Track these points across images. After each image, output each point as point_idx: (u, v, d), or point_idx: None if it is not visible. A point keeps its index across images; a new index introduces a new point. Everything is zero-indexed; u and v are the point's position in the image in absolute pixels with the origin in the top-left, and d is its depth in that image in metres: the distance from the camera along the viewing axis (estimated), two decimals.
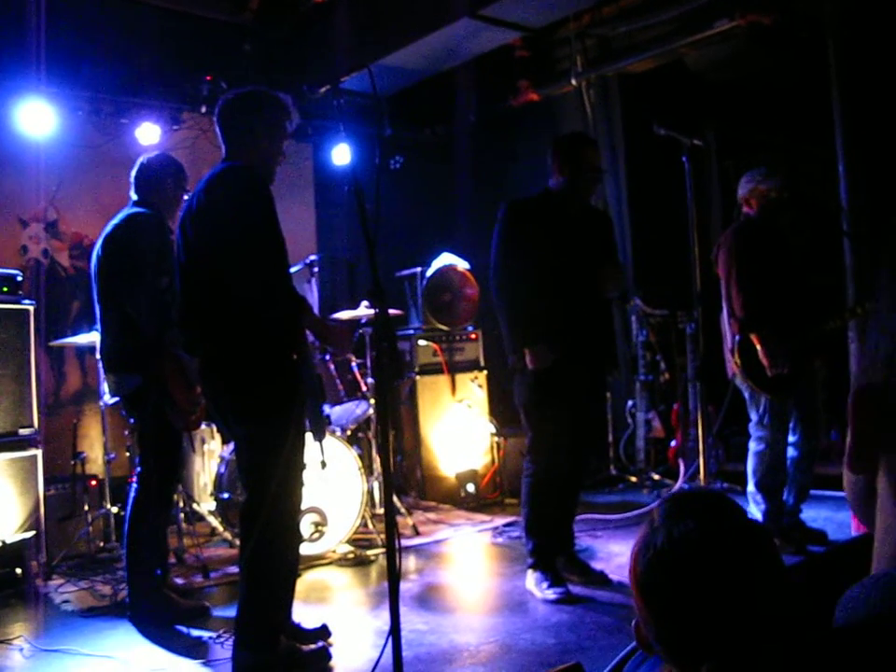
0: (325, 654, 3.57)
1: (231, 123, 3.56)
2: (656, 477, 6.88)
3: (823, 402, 5.07)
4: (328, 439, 5.17)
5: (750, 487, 4.88)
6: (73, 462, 5.61)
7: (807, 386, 4.88)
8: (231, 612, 4.10)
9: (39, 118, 6.08)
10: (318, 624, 3.79)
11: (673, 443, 6.82)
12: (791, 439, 4.92)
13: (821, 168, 7.60)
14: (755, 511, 4.83)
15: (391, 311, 3.17)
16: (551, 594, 4.20)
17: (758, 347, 4.64)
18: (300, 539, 3.66)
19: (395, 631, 2.46)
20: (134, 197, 4.36)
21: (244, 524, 3.47)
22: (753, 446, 4.85)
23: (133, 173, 4.39)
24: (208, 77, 6.83)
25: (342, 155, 7.57)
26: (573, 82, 7.37)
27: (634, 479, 7.01)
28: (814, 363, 4.91)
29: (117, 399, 4.34)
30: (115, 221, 4.25)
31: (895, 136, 6.01)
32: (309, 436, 3.55)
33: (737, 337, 4.73)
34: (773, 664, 1.22)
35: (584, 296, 4.32)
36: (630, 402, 7.10)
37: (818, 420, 4.96)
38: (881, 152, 5.99)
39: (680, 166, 4.37)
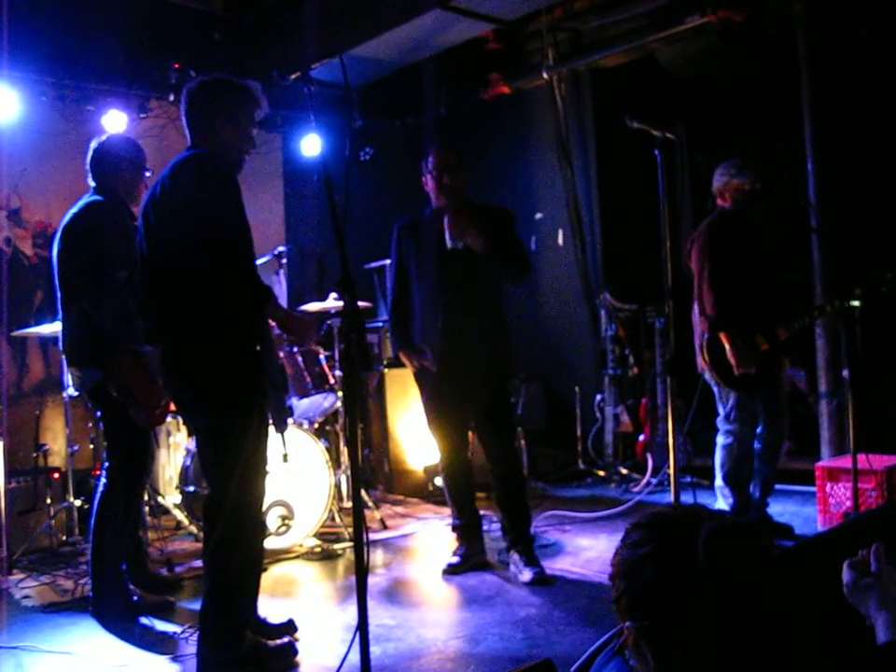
0: (291, 649, 3.53)
1: (194, 111, 3.50)
2: (624, 471, 6.89)
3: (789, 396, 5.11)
4: (295, 431, 5.13)
5: (718, 481, 4.90)
6: (35, 454, 5.53)
7: (773, 381, 4.92)
8: (197, 606, 4.05)
9: (2, 103, 5.96)
10: (285, 619, 3.75)
11: (641, 438, 6.83)
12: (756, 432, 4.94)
13: (790, 164, 7.66)
14: (723, 504, 4.86)
15: (360, 303, 3.13)
16: (453, 559, 4.70)
17: (726, 346, 4.66)
18: (264, 533, 3.62)
19: (363, 627, 2.43)
20: (93, 184, 4.25)
21: (207, 518, 3.42)
22: (721, 440, 4.88)
23: (89, 159, 4.27)
24: (176, 66, 6.73)
25: (311, 146, 7.51)
26: (545, 76, 7.34)
27: (602, 473, 7.01)
28: (782, 360, 4.94)
29: (81, 392, 4.26)
30: (73, 211, 4.13)
31: (863, 134, 6.06)
32: (272, 428, 3.51)
33: (706, 335, 4.76)
34: None
35: (457, 303, 4.50)
36: (598, 396, 7.10)
37: (783, 414, 4.99)
38: (849, 149, 6.04)
39: (651, 161, 4.35)
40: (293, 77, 2.79)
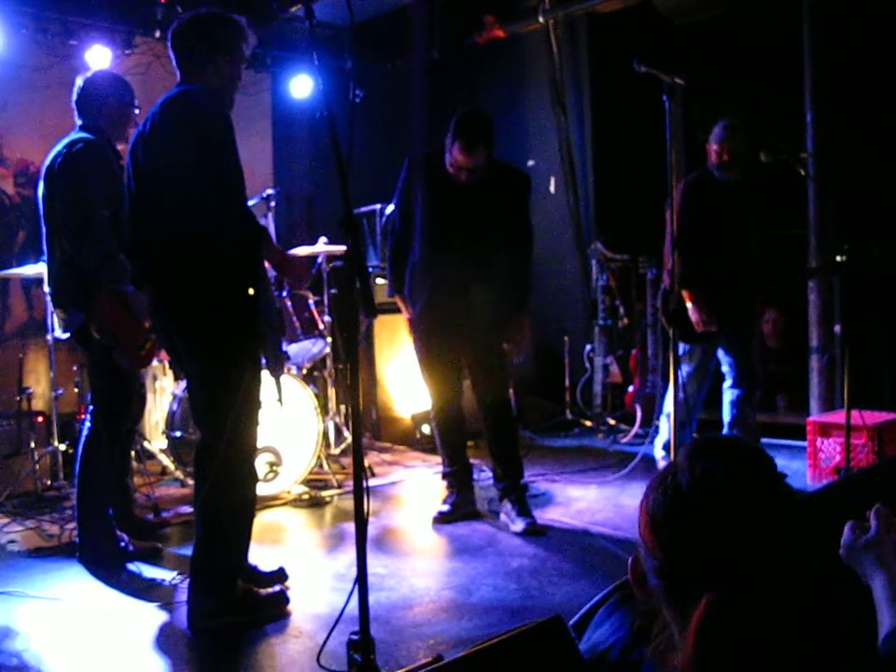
0: (282, 598, 3.49)
1: (184, 46, 3.37)
2: (612, 422, 6.87)
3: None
4: (283, 377, 5.05)
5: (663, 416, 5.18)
6: (18, 398, 5.44)
7: (741, 333, 5.02)
8: (183, 552, 4.03)
9: None
10: (275, 567, 3.71)
11: (630, 389, 6.81)
12: (727, 383, 5.09)
13: (785, 117, 7.55)
14: (664, 435, 5.13)
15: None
16: (444, 507, 4.66)
17: (688, 305, 4.79)
18: (256, 480, 3.55)
19: (362, 578, 2.36)
20: (79, 121, 4.11)
21: (198, 464, 3.35)
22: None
23: (74, 95, 4.11)
24: (163, 0, 6.54)
25: (301, 87, 7.35)
26: (540, 20, 7.18)
27: (589, 423, 6.99)
28: (751, 314, 5.09)
29: (68, 334, 4.15)
30: (57, 149, 3.99)
31: (863, 87, 5.97)
32: (265, 372, 3.44)
33: (663, 286, 4.97)
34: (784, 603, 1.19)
35: (461, 254, 4.38)
36: (588, 347, 7.05)
37: (752, 366, 5.09)
38: (849, 102, 5.95)
39: (646, 109, 4.27)
40: (294, 8, 2.65)
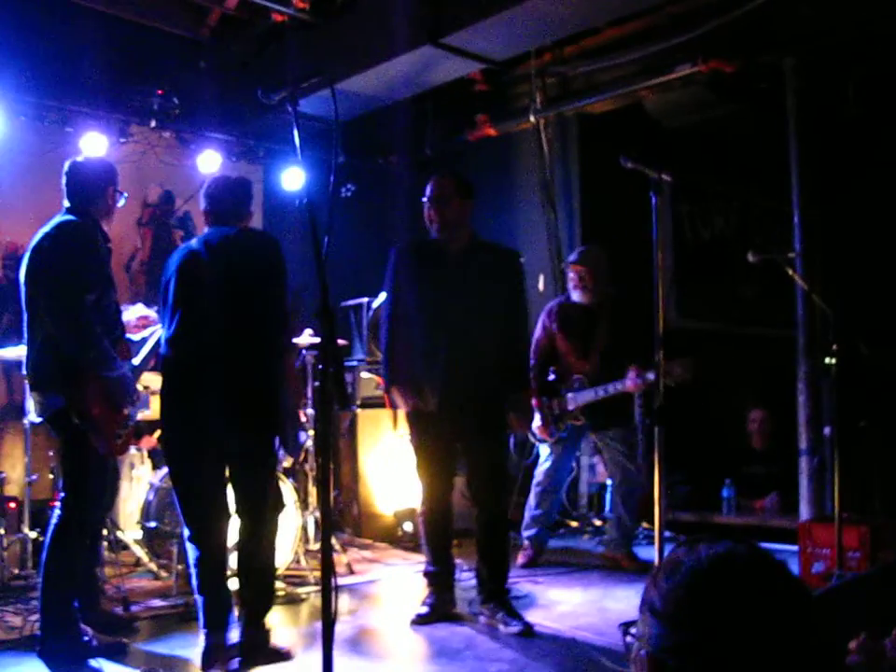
0: None
1: (229, 202, 4.05)
2: (598, 523, 6.75)
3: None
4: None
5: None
6: None
7: (605, 438, 5.67)
8: (151, 648, 3.87)
9: None
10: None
11: None
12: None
13: (772, 218, 7.63)
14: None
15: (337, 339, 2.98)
16: (422, 609, 4.51)
17: (535, 410, 5.43)
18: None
19: None
20: (67, 204, 4.11)
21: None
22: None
23: (63, 178, 4.13)
24: (159, 91, 6.64)
25: (292, 179, 7.42)
26: (531, 119, 7.29)
27: (574, 524, 6.86)
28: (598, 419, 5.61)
29: (42, 419, 4.07)
30: (44, 230, 3.97)
31: (849, 188, 6.04)
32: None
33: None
34: None
35: (458, 341, 4.33)
36: None
37: (622, 464, 5.63)
38: (835, 203, 6.01)
39: (635, 209, 4.28)
40: (279, 97, 2.65)
